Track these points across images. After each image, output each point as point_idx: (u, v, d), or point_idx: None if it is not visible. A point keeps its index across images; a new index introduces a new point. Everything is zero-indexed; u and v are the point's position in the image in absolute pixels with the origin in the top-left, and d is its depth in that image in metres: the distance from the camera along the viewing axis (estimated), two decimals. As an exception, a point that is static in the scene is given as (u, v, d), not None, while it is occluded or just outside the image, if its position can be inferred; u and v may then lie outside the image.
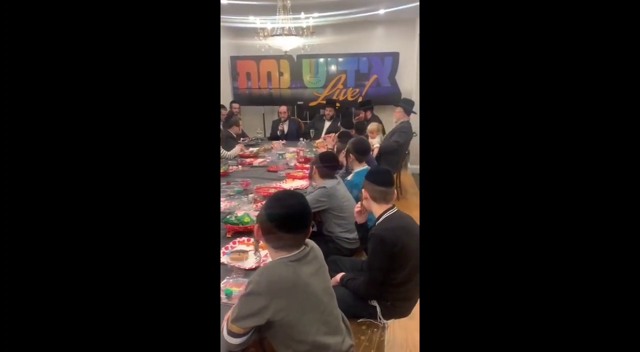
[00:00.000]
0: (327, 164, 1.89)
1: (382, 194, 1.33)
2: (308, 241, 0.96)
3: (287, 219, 0.88)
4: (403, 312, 1.34)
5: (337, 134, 3.10)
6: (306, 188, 2.14)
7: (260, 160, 3.09)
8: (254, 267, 1.25)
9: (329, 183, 1.85)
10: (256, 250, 1.27)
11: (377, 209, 1.34)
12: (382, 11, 4.46)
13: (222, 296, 1.09)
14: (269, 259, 0.97)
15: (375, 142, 3.48)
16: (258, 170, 2.77)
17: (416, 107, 3.63)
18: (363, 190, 1.38)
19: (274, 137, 4.16)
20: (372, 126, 3.63)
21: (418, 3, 3.97)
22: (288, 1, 3.38)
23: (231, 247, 1.42)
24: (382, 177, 1.35)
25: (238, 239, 1.49)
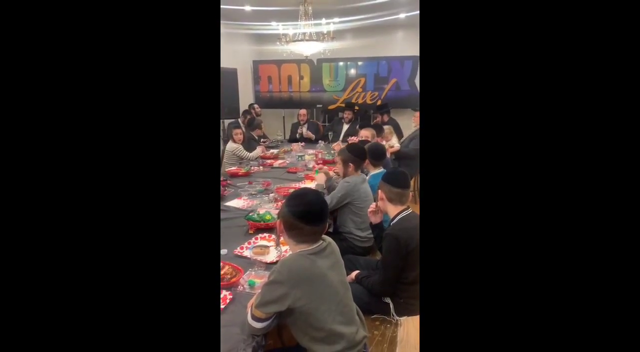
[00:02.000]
0: (358, 157, 1.97)
1: (398, 196, 1.38)
2: (325, 237, 1.03)
3: (307, 212, 0.96)
4: (415, 310, 1.39)
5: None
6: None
7: (280, 161, 3.20)
8: (274, 260, 1.33)
9: (352, 179, 1.91)
10: (277, 244, 1.36)
11: (392, 210, 1.40)
12: (402, 15, 4.49)
13: (246, 286, 1.18)
14: (290, 253, 1.05)
15: (394, 143, 3.51)
16: (278, 171, 2.87)
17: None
18: (379, 191, 1.43)
19: (293, 139, 4.27)
20: (388, 127, 3.70)
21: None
22: (310, 7, 3.49)
23: (253, 242, 1.52)
24: (398, 179, 1.40)
25: (260, 235, 1.58)
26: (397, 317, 1.37)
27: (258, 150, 3.33)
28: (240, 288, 1.17)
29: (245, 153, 3.23)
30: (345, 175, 2.00)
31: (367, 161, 2.20)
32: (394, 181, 1.39)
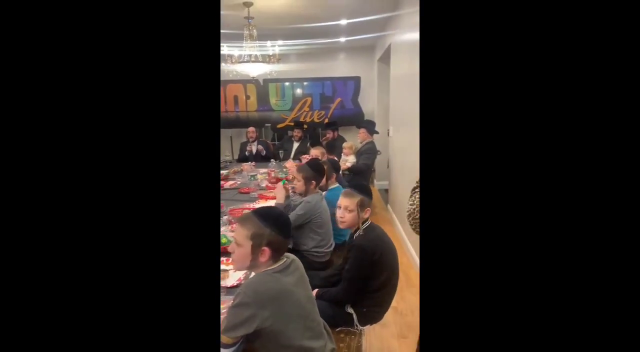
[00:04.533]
0: (320, 174, 2.02)
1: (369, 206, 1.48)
2: (288, 254, 1.05)
3: (284, 224, 1.00)
4: (376, 318, 1.44)
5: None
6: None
7: (230, 182, 3.12)
8: (235, 284, 1.29)
9: (313, 198, 1.94)
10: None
11: (360, 221, 1.45)
12: (343, 39, 4.79)
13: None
14: (253, 274, 1.04)
15: (349, 160, 3.66)
16: (229, 193, 2.80)
17: (410, 124, 3.38)
18: (349, 203, 1.45)
19: (243, 159, 4.21)
20: (349, 143, 3.87)
21: (377, 33, 4.35)
22: (254, 30, 3.55)
23: (210, 267, 1.46)
24: (369, 190, 1.53)
25: (217, 259, 1.52)
26: (360, 327, 1.41)
27: None
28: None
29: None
30: (306, 193, 2.00)
31: (333, 177, 2.30)
32: (369, 192, 1.49)
